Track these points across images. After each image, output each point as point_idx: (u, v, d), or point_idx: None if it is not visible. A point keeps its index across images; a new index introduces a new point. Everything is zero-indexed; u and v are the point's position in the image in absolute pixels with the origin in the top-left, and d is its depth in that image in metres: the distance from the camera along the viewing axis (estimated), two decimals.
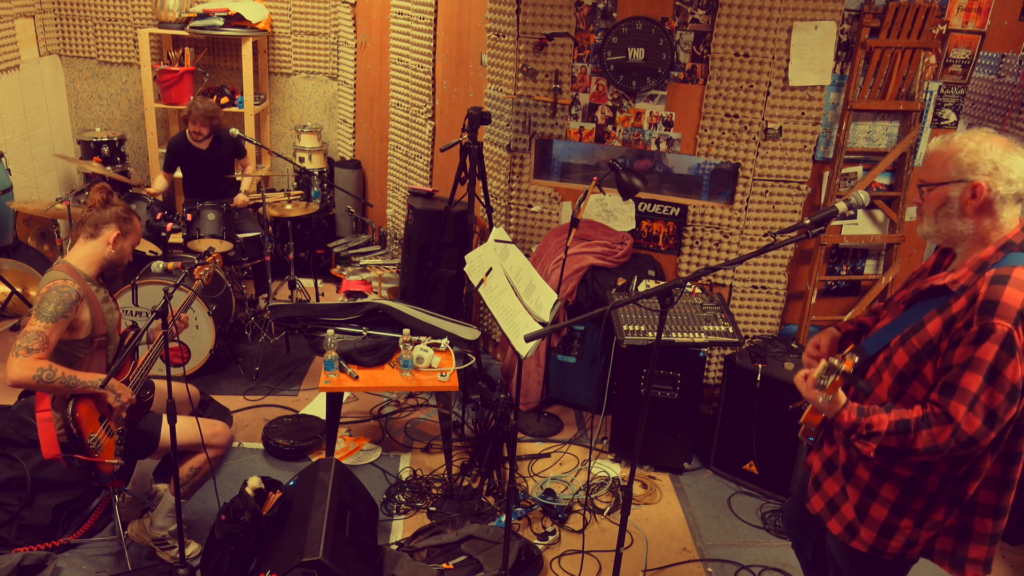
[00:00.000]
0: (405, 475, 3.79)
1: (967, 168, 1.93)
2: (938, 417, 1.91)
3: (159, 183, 5.06)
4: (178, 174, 5.18)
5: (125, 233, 2.90)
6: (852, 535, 2.17)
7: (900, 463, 2.06)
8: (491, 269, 3.03)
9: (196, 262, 3.20)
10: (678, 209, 4.31)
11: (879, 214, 4.20)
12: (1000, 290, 1.85)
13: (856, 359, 1.93)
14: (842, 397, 2.02)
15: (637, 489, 3.79)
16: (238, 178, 5.15)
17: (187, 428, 2.92)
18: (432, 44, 5.05)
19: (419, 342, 3.69)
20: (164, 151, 5.42)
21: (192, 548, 3.14)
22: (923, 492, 2.05)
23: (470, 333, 3.91)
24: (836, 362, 1.93)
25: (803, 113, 4.01)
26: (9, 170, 5.13)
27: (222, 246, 4.65)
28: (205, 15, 5.71)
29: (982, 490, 2.05)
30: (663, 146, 4.25)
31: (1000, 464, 2.03)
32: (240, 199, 4.97)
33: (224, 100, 5.92)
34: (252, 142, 5.09)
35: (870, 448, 1.98)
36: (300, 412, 4.23)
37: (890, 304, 2.25)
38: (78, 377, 2.65)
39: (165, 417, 2.75)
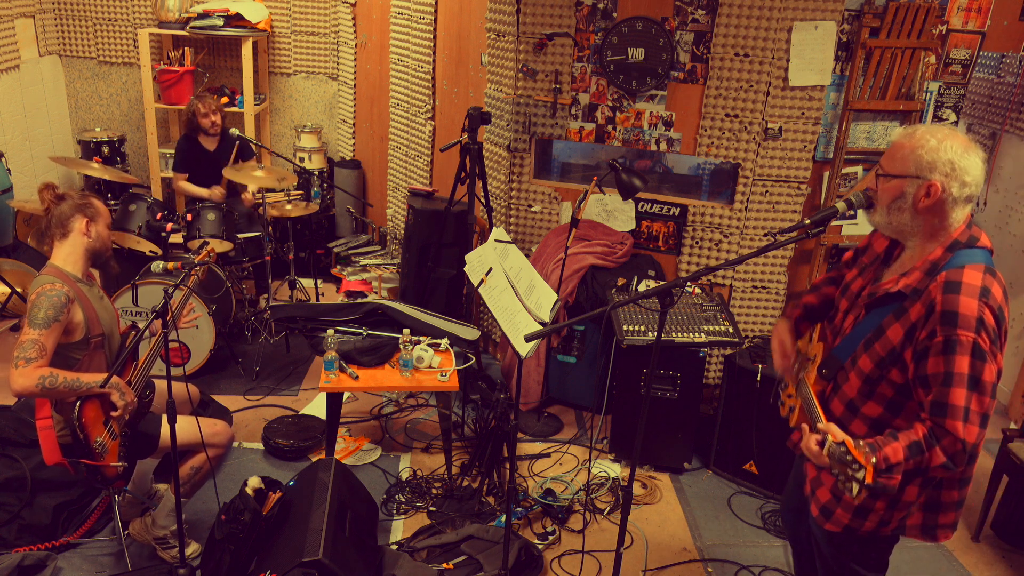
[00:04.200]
0: (405, 475, 3.79)
1: (926, 166, 1.94)
2: (942, 431, 1.91)
3: (189, 185, 5.09)
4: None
5: (92, 217, 2.84)
6: (827, 517, 2.20)
7: None
8: (491, 269, 3.02)
9: (192, 259, 3.20)
10: (678, 209, 4.31)
11: None
12: (955, 300, 1.88)
13: (874, 460, 1.76)
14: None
15: (637, 489, 3.79)
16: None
17: (187, 427, 2.92)
18: (432, 44, 5.05)
19: (419, 342, 3.69)
20: (170, 152, 5.42)
21: (192, 548, 3.14)
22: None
23: (470, 333, 3.91)
24: (859, 474, 1.72)
25: (803, 113, 4.01)
26: (9, 170, 5.13)
27: (222, 246, 4.65)
28: (205, 15, 5.71)
29: None
30: (663, 146, 4.24)
31: None
32: (247, 198, 4.97)
33: (224, 100, 5.92)
34: (252, 142, 5.09)
35: (895, 481, 1.91)
36: (300, 412, 4.23)
37: (848, 294, 2.26)
38: (81, 379, 2.64)
39: (165, 417, 2.74)
